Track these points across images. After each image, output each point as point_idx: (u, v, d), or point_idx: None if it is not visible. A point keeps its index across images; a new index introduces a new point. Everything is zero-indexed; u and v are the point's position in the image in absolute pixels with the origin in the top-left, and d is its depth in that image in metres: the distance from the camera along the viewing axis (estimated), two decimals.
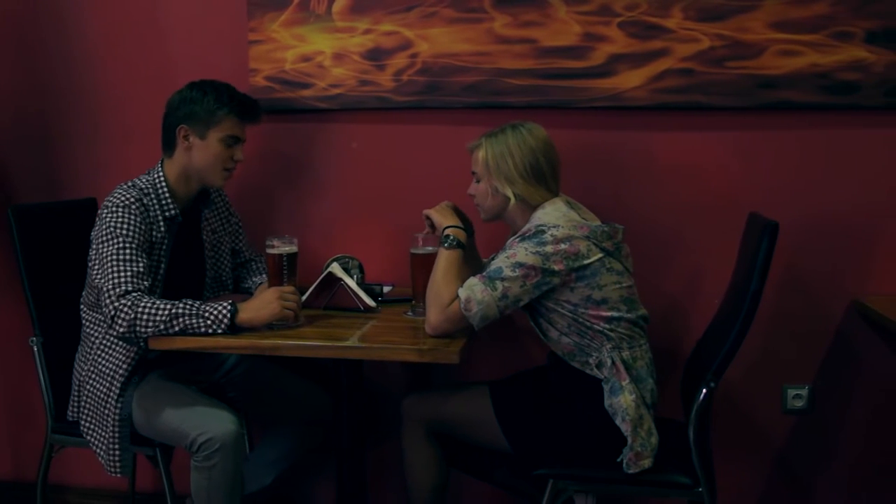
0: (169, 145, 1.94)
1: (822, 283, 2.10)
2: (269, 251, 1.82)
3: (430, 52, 2.16)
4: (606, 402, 1.70)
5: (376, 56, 2.20)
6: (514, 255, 1.65)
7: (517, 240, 1.69)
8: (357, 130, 2.26)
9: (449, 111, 2.18)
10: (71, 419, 2.00)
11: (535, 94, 2.12)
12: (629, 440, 1.67)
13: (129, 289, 1.74)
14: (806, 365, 2.13)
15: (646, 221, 2.11)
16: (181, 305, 1.71)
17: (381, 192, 2.27)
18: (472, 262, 1.94)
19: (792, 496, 2.20)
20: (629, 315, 1.72)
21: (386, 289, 2.12)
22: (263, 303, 1.73)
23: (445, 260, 1.74)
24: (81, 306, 1.99)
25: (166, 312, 1.70)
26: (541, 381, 1.85)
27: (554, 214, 1.72)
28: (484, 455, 1.94)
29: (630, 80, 2.07)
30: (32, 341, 2.04)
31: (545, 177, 1.75)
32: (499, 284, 1.64)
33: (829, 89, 2.00)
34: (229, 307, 1.71)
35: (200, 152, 1.90)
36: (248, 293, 2.14)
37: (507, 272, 1.65)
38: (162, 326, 1.69)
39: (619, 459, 1.69)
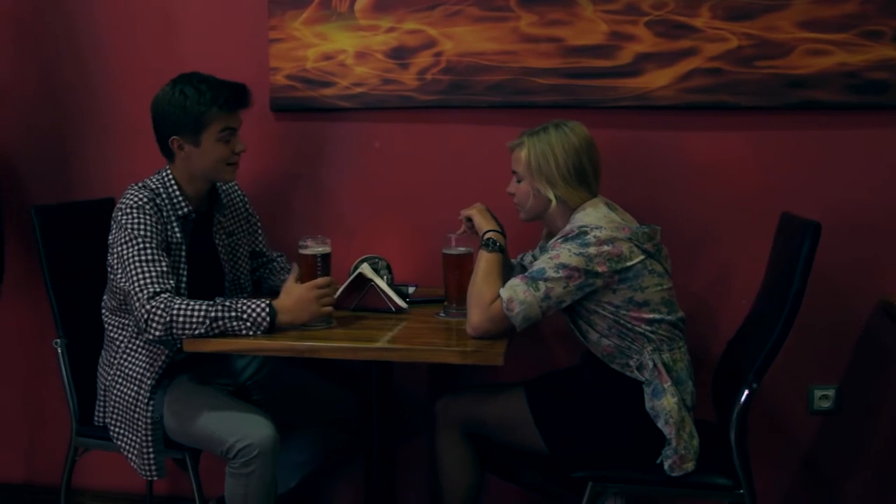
0: (167, 154, 1.88)
1: (849, 282, 2.10)
2: (303, 251, 1.79)
3: (455, 51, 2.14)
4: (648, 405, 1.68)
5: (400, 55, 2.17)
6: (558, 257, 1.64)
7: (560, 241, 1.67)
8: (380, 130, 2.24)
9: (473, 110, 2.16)
10: (98, 423, 1.96)
11: (562, 94, 2.11)
12: (673, 443, 1.66)
13: (158, 290, 1.71)
14: (833, 365, 2.14)
15: (672, 221, 2.09)
16: (218, 307, 1.68)
17: (403, 192, 2.25)
18: (504, 264, 1.92)
19: (819, 497, 2.20)
20: (670, 317, 1.71)
21: (410, 289, 2.10)
22: (301, 304, 1.70)
23: (486, 262, 1.72)
24: (103, 310, 1.95)
25: (202, 314, 1.66)
26: (576, 382, 1.83)
27: (595, 215, 1.70)
28: (511, 456, 1.93)
29: (657, 80, 2.07)
30: (56, 343, 2.00)
31: (587, 178, 1.74)
32: (541, 285, 1.63)
33: (857, 88, 2.00)
34: (267, 310, 1.68)
35: (200, 158, 1.84)
36: (272, 293, 2.10)
37: (551, 273, 1.63)
38: (201, 329, 1.66)
39: (658, 461, 1.68)
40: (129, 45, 2.33)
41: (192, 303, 1.69)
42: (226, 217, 2.00)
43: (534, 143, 1.74)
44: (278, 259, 2.18)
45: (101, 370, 1.96)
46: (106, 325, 1.94)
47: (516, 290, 1.63)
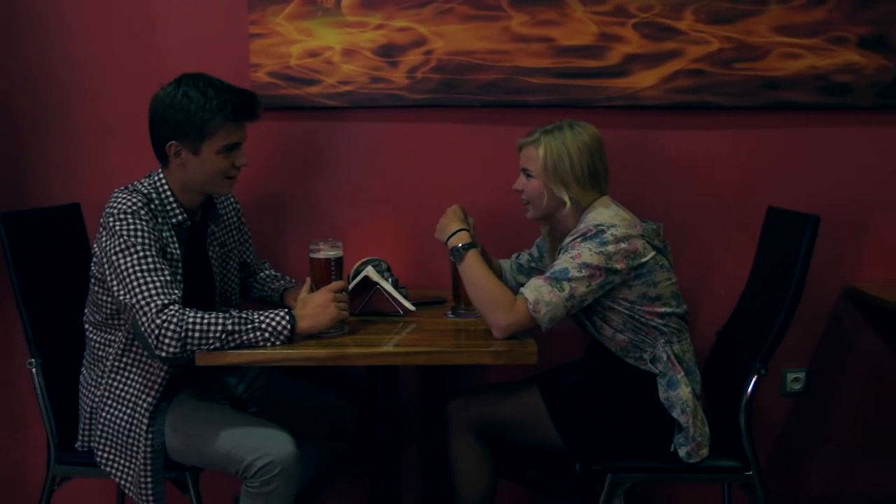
0: (162, 159, 1.75)
1: (817, 271, 2.20)
2: (315, 255, 1.72)
3: (446, 50, 2.13)
4: (662, 396, 1.73)
5: (389, 52, 2.13)
6: (579, 256, 1.66)
7: (578, 240, 1.69)
8: (368, 129, 2.19)
9: (465, 109, 2.16)
10: (81, 449, 1.82)
11: (553, 93, 2.14)
12: (690, 431, 1.71)
13: (166, 301, 1.59)
14: (803, 350, 2.28)
15: (658, 217, 2.14)
16: (234, 319, 1.58)
17: (392, 193, 2.22)
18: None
19: (789, 471, 2.34)
20: (678, 310, 1.77)
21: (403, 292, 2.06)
22: (319, 308, 1.63)
23: (473, 267, 1.70)
24: (86, 325, 1.81)
25: (220, 328, 1.56)
26: (588, 377, 1.86)
27: (607, 214, 1.74)
28: (517, 454, 1.95)
29: (644, 80, 2.13)
30: (30, 364, 1.83)
31: (599, 179, 1.77)
32: (566, 285, 1.64)
33: (826, 90, 2.14)
34: (287, 317, 1.60)
35: (197, 168, 1.71)
36: (258, 303, 2.03)
37: (574, 273, 1.65)
38: (217, 344, 1.56)
39: (672, 449, 1.74)
40: (99, 37, 2.17)
41: (205, 315, 1.58)
42: (220, 228, 1.89)
43: (549, 142, 1.74)
44: (263, 268, 2.09)
45: (84, 391, 1.81)
46: (89, 342, 1.80)
47: (541, 292, 1.64)
